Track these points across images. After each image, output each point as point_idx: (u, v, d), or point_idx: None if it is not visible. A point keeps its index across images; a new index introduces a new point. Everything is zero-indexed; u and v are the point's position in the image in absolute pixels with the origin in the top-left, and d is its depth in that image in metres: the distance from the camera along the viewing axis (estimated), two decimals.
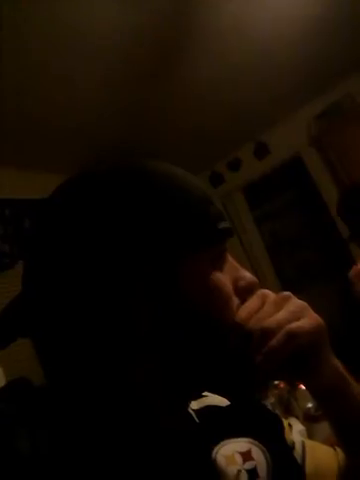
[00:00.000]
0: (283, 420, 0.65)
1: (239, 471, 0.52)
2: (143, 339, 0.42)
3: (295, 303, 0.47)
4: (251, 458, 0.53)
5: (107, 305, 0.41)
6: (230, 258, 0.51)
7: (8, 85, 2.02)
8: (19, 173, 2.55)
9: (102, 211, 0.42)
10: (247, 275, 0.49)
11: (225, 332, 0.44)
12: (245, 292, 0.47)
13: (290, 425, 0.65)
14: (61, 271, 0.42)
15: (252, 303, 0.47)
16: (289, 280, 4.28)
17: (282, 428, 0.62)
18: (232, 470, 0.51)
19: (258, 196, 4.34)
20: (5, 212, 2.49)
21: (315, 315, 0.46)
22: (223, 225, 0.47)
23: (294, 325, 0.44)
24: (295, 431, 0.64)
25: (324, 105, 3.44)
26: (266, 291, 0.49)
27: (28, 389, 0.46)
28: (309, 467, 0.58)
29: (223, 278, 0.46)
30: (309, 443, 0.64)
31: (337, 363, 0.48)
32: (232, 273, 0.48)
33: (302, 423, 1.19)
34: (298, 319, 0.45)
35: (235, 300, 0.47)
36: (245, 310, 0.46)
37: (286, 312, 0.45)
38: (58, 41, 1.93)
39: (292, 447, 0.60)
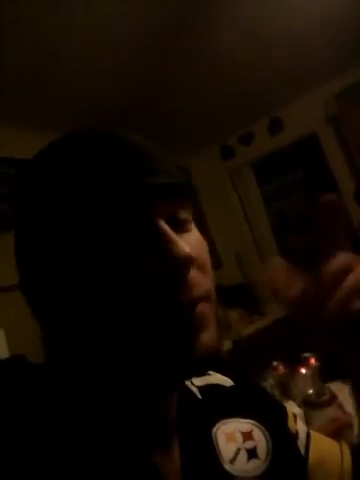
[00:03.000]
0: (287, 408, 0.64)
1: (238, 449, 0.52)
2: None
3: None
4: (252, 438, 0.53)
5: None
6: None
7: (30, 46, 1.97)
8: (29, 132, 2.50)
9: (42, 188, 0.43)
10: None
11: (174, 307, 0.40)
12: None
13: (295, 415, 0.63)
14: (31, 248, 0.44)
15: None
16: (292, 260, 4.27)
17: (285, 416, 0.61)
18: (231, 447, 0.51)
19: (268, 173, 4.28)
20: (10, 171, 2.44)
21: None
22: (150, 181, 0.41)
23: None
24: (299, 422, 0.63)
25: (343, 84, 3.34)
26: None
27: (22, 366, 0.46)
28: (313, 458, 0.58)
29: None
30: (315, 435, 0.63)
31: None
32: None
33: (300, 407, 1.19)
34: None
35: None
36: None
37: None
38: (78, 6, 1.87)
39: (295, 436, 0.59)
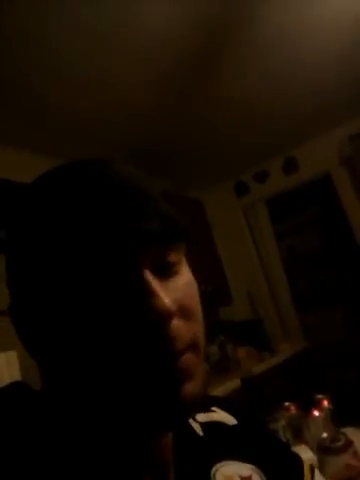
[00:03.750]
0: (305, 463, 0.60)
1: None
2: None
3: None
4: None
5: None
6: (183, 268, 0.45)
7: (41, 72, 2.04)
8: (28, 155, 2.54)
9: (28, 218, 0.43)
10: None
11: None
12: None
13: (312, 469, 0.59)
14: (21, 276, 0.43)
15: None
16: (302, 297, 4.25)
17: (300, 472, 0.57)
18: None
19: (281, 210, 4.31)
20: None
21: None
22: (139, 227, 0.40)
23: None
24: (317, 476, 0.59)
25: (358, 126, 3.40)
26: None
27: (23, 393, 0.46)
28: None
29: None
30: None
31: None
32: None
33: (313, 452, 1.16)
34: None
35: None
36: None
37: None
38: (103, 36, 1.93)
39: None
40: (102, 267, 0.38)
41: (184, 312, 0.41)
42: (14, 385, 0.48)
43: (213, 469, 0.50)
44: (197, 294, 0.45)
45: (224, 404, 0.61)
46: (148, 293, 0.38)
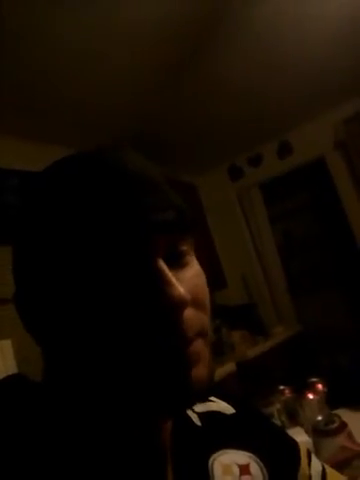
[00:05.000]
0: (301, 448, 0.60)
1: None
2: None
3: None
4: (248, 473, 0.51)
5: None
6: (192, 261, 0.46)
7: (34, 62, 2.00)
8: (30, 144, 2.53)
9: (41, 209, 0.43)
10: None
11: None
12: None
13: (309, 453, 0.60)
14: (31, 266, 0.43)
15: None
16: (297, 281, 4.27)
17: (297, 458, 0.58)
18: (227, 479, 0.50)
19: (275, 194, 4.30)
20: (13, 182, 2.41)
21: None
22: (154, 218, 0.40)
23: None
24: (314, 460, 0.59)
25: (353, 110, 3.39)
26: None
27: (23, 385, 0.46)
28: None
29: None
30: (331, 473, 0.59)
31: None
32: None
33: (308, 434, 1.17)
34: None
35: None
36: None
37: None
38: (93, 23, 1.90)
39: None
40: (116, 255, 0.39)
41: (195, 302, 0.42)
42: (13, 377, 0.48)
43: (211, 459, 0.51)
44: (206, 285, 0.46)
45: (222, 393, 0.61)
46: (163, 281, 0.39)
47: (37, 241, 0.42)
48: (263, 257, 4.13)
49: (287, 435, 0.62)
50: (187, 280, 0.42)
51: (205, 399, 0.58)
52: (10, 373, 0.49)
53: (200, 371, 0.41)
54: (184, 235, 0.44)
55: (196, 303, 0.42)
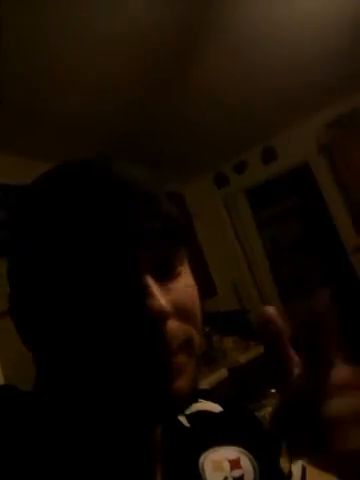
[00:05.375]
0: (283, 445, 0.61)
1: (225, 478, 0.51)
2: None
3: None
4: (239, 466, 0.53)
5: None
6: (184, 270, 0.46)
7: (16, 68, 2.00)
8: (25, 160, 2.53)
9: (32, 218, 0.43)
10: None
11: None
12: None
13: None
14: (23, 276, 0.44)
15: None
16: (287, 286, 4.28)
17: (279, 450, 0.59)
18: (218, 476, 0.51)
19: (261, 200, 4.33)
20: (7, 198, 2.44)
21: None
22: (139, 228, 0.40)
23: None
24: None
25: (335, 114, 3.44)
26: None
27: (13, 394, 0.46)
28: None
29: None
30: (311, 471, 0.61)
31: None
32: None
33: None
34: None
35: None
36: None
37: None
38: (76, 33, 1.91)
39: (288, 476, 0.58)
40: (102, 266, 0.39)
41: (181, 313, 0.42)
42: (2, 387, 0.48)
43: (201, 458, 0.51)
44: (197, 297, 0.46)
45: (209, 394, 0.62)
46: (145, 293, 0.39)
47: (26, 254, 0.43)
48: (252, 263, 4.15)
49: (268, 430, 0.63)
50: (175, 291, 0.42)
51: (187, 407, 0.57)
52: None
53: (181, 383, 0.41)
54: (174, 245, 0.44)
55: (182, 314, 0.42)
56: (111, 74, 2.28)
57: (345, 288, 3.78)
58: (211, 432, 0.55)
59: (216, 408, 0.60)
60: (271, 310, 0.36)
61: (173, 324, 0.40)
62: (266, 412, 1.41)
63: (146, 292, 0.39)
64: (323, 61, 2.80)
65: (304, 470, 0.59)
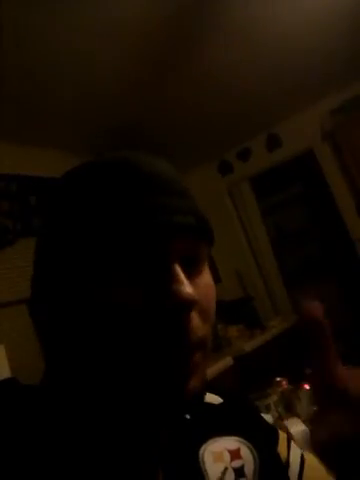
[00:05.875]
0: (281, 434, 0.62)
1: (226, 468, 0.51)
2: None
3: None
4: (239, 457, 0.53)
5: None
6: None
7: (24, 61, 1.99)
8: (26, 149, 2.53)
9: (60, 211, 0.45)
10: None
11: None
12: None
13: (289, 440, 0.61)
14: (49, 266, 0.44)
15: None
16: (292, 274, 4.28)
17: (276, 439, 0.60)
18: (219, 467, 0.51)
19: (266, 188, 4.31)
20: (12, 187, 2.46)
21: None
22: (175, 220, 0.42)
23: None
24: (293, 447, 0.60)
25: (340, 101, 3.40)
26: None
27: (18, 389, 0.47)
28: None
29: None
30: (310, 462, 0.59)
31: None
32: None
33: (305, 424, 1.18)
34: None
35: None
36: None
37: None
38: (82, 22, 1.89)
39: (286, 464, 0.57)
40: (134, 254, 0.40)
41: (202, 311, 0.43)
42: (8, 381, 0.48)
43: (201, 449, 0.52)
44: (214, 298, 0.46)
45: (210, 386, 0.62)
46: (175, 280, 0.40)
47: (55, 246, 0.44)
48: (256, 251, 4.15)
49: (266, 420, 0.64)
50: (198, 288, 0.43)
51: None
52: (4, 377, 0.49)
53: (195, 383, 0.41)
54: (202, 241, 0.45)
55: (203, 312, 0.43)
56: (112, 64, 2.26)
57: (350, 275, 3.78)
58: (211, 423, 0.55)
59: (217, 400, 0.60)
60: (316, 305, 0.37)
61: (196, 320, 0.41)
62: (272, 400, 1.42)
63: (175, 279, 0.40)
64: (327, 47, 2.76)
65: (303, 459, 0.59)
